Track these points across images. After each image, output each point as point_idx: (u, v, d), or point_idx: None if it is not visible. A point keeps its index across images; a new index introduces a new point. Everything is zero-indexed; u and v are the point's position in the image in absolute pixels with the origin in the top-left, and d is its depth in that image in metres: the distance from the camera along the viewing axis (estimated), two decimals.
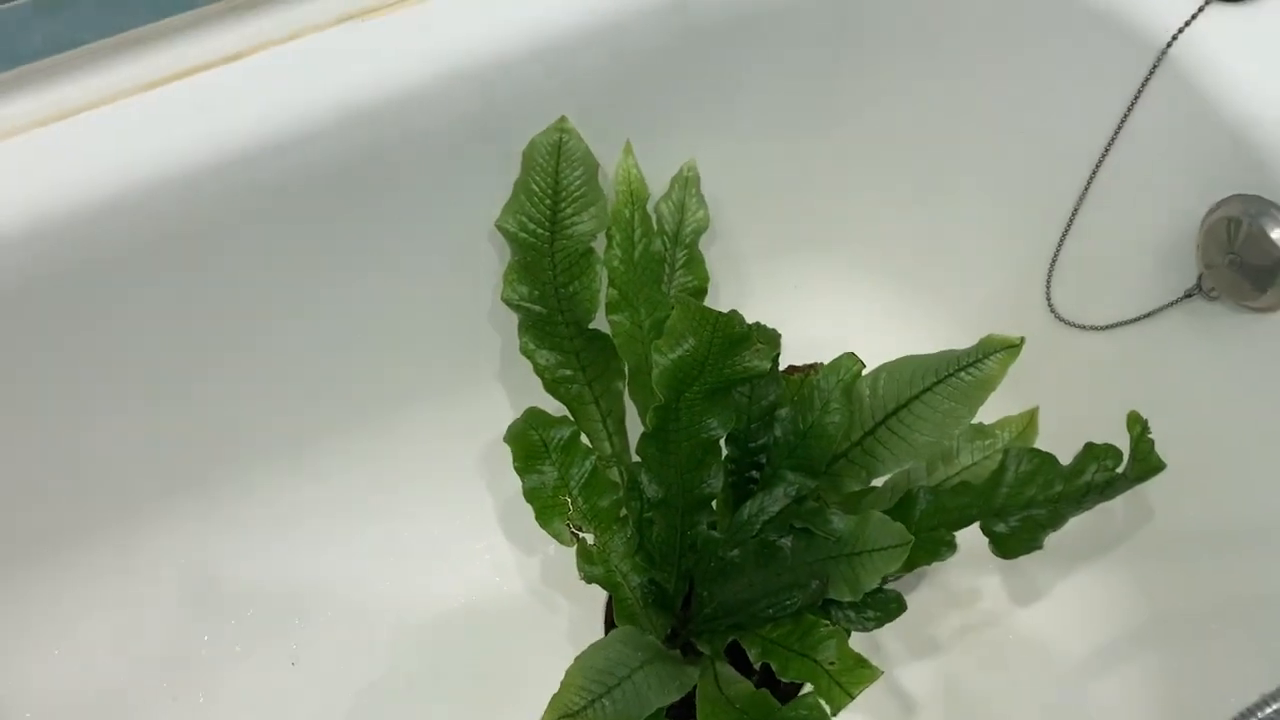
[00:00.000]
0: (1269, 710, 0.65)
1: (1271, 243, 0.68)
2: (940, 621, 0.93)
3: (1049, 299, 0.88)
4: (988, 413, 0.71)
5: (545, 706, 0.61)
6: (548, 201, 0.76)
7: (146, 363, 0.77)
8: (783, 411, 0.75)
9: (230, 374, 0.82)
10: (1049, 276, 0.87)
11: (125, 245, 0.69)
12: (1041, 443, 0.78)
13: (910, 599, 0.82)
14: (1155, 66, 0.73)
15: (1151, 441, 0.64)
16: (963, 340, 0.70)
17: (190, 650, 0.89)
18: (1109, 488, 0.65)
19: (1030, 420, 0.77)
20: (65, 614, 0.87)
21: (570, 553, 0.76)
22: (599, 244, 0.78)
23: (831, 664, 0.64)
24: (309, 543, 0.93)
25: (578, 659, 0.62)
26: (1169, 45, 0.73)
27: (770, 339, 0.75)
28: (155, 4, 0.67)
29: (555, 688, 0.89)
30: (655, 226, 0.81)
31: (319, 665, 0.90)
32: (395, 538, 0.94)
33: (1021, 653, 0.90)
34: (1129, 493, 0.72)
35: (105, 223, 0.67)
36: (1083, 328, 0.86)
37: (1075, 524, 0.71)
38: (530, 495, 0.76)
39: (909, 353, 0.73)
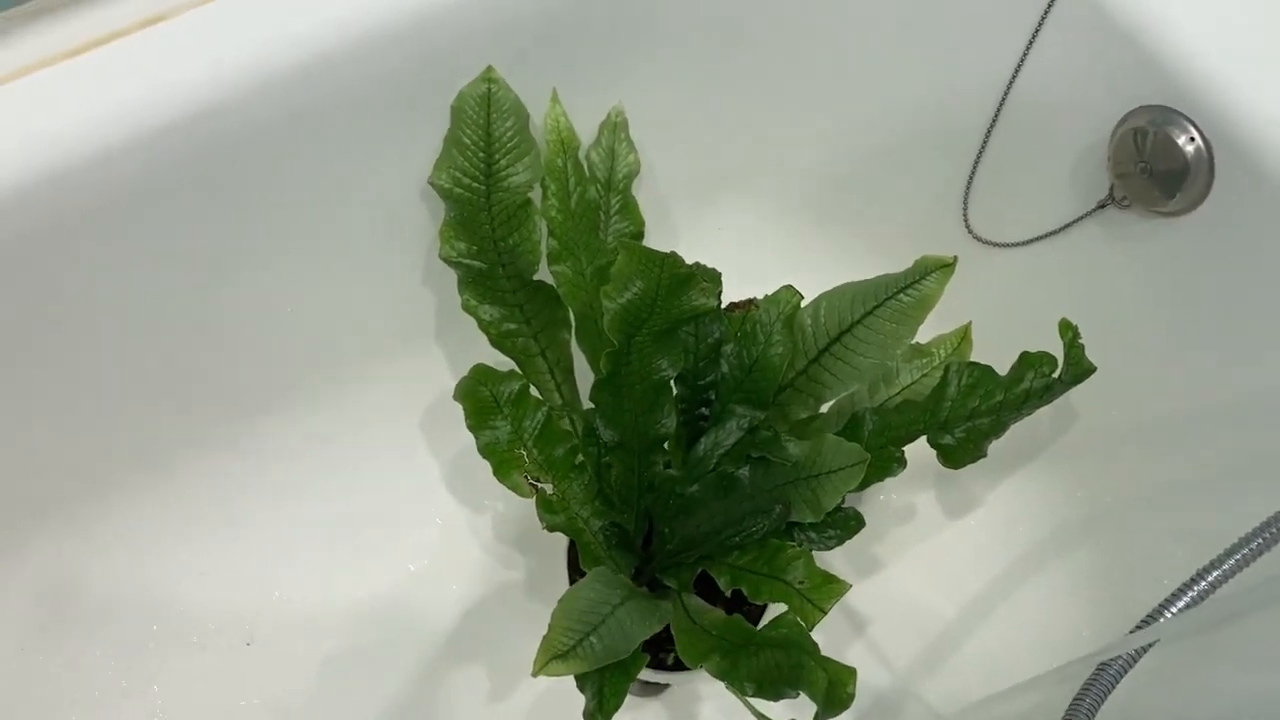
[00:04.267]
0: (1196, 591, 0.71)
1: (1178, 149, 0.72)
2: (881, 538, 0.96)
3: (966, 220, 0.91)
4: (919, 334, 0.74)
5: (535, 651, 0.62)
6: (481, 154, 0.75)
7: (83, 351, 0.75)
8: (728, 348, 0.76)
9: (160, 354, 0.79)
10: (965, 198, 0.90)
11: (32, 230, 0.67)
12: (974, 357, 0.81)
13: None
14: None
15: (1082, 346, 0.68)
16: (887, 268, 0.73)
17: (138, 638, 0.87)
18: (1047, 392, 0.69)
19: (965, 336, 0.80)
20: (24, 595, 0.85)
21: (518, 506, 0.77)
22: (535, 195, 0.78)
23: (801, 583, 0.66)
24: (253, 521, 0.91)
25: (560, 602, 0.63)
26: None
27: (713, 277, 0.76)
28: None
29: (522, 640, 0.90)
30: (587, 174, 0.81)
31: (276, 645, 0.89)
32: (342, 509, 0.93)
33: (960, 561, 0.94)
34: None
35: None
36: (1001, 245, 0.89)
37: (1006, 432, 0.74)
38: (486, 451, 0.76)
39: (834, 283, 0.75)
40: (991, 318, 0.85)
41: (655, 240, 0.98)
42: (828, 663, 0.60)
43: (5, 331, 0.71)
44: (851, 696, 0.59)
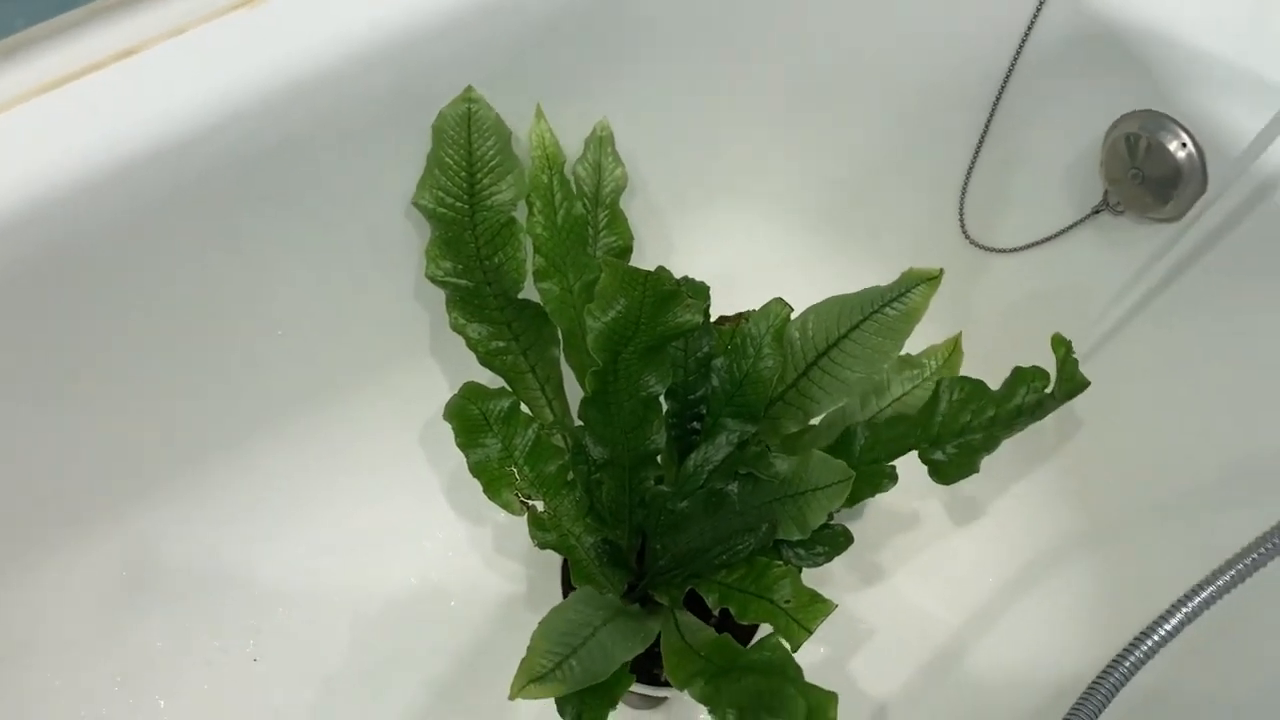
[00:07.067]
0: (1193, 605, 0.69)
1: (1170, 155, 0.71)
2: (886, 548, 0.96)
3: (963, 225, 0.89)
4: (913, 342, 0.73)
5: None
6: (463, 174, 0.75)
7: (80, 374, 0.75)
8: (718, 361, 0.76)
9: (162, 379, 0.80)
10: (961, 203, 0.89)
11: (29, 261, 0.67)
12: (968, 364, 0.80)
13: (856, 529, 0.84)
14: None
15: (1076, 361, 0.66)
16: (883, 274, 0.72)
17: (144, 655, 0.88)
18: (1039, 408, 0.67)
19: (955, 346, 0.79)
20: (12, 623, 0.85)
21: (519, 519, 0.77)
22: (520, 212, 0.78)
23: (787, 602, 0.66)
24: (256, 538, 0.92)
25: (540, 624, 0.63)
26: None
27: (700, 292, 0.76)
28: (33, 6, 0.64)
29: (523, 654, 0.91)
30: (574, 189, 0.81)
31: (281, 660, 0.90)
32: (344, 525, 0.94)
33: (965, 570, 0.93)
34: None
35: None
36: (998, 250, 0.88)
37: (1010, 441, 0.73)
38: (476, 469, 0.76)
39: (831, 291, 0.74)
40: (990, 323, 0.85)
41: (650, 249, 0.98)
42: (809, 690, 0.59)
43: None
44: None
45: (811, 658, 0.90)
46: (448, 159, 0.74)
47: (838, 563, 0.94)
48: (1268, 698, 0.71)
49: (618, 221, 0.83)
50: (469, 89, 0.74)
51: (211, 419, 0.87)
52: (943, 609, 0.92)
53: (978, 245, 0.89)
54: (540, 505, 0.77)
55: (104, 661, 0.87)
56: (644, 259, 0.96)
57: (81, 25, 0.65)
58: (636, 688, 0.79)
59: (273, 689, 0.89)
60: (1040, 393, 0.67)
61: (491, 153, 0.75)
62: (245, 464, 0.89)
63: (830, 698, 0.58)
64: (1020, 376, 0.67)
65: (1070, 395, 0.67)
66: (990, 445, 0.69)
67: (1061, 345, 0.66)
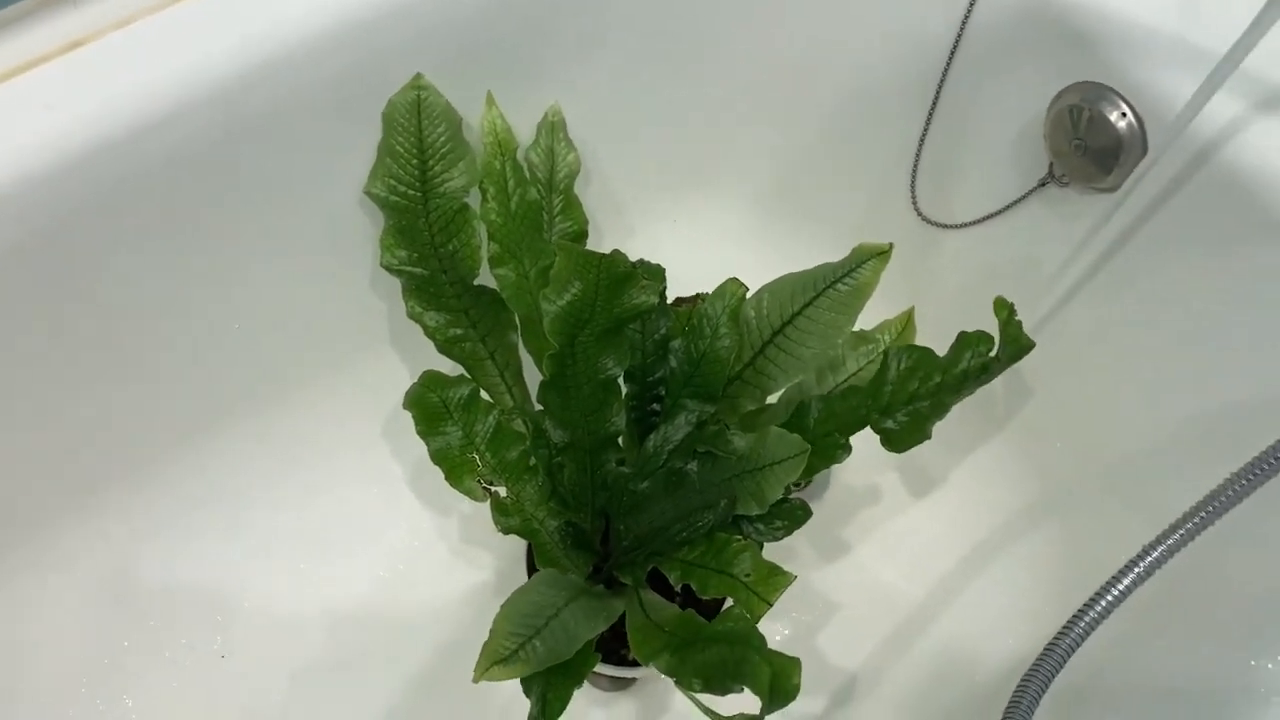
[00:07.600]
0: (1140, 568, 0.71)
1: (1111, 125, 0.72)
2: (848, 522, 0.97)
3: (915, 202, 0.91)
4: (869, 318, 0.74)
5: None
6: (414, 161, 0.75)
7: (34, 372, 0.75)
8: (675, 343, 0.76)
9: (120, 374, 0.79)
10: (912, 181, 0.90)
11: None
12: (924, 339, 0.81)
13: (817, 505, 0.85)
14: None
15: (1019, 323, 0.67)
16: (839, 254, 0.73)
17: (111, 656, 0.87)
18: (985, 372, 0.68)
19: (908, 320, 0.80)
20: None
21: (484, 507, 0.77)
22: (474, 200, 0.78)
23: (747, 575, 0.66)
24: (219, 533, 0.92)
25: (503, 606, 0.63)
26: None
27: (655, 274, 0.76)
28: None
29: None
30: (528, 175, 0.81)
31: (249, 656, 0.90)
32: (308, 517, 0.94)
33: (928, 542, 0.95)
34: (1009, 376, 0.75)
35: None
36: (951, 226, 0.89)
37: (964, 413, 0.74)
38: (437, 457, 0.76)
39: (787, 271, 0.75)
40: (943, 297, 0.86)
41: (609, 236, 0.98)
42: (772, 656, 0.60)
43: None
44: (797, 688, 0.59)
45: (778, 632, 0.92)
46: (398, 147, 0.75)
47: (802, 540, 0.96)
48: (1217, 661, 0.73)
49: (572, 207, 0.83)
50: (418, 76, 0.74)
51: (171, 414, 0.86)
52: (905, 581, 0.93)
53: (930, 222, 0.90)
54: (503, 491, 0.77)
55: (69, 662, 0.87)
56: (602, 244, 0.96)
57: (28, 18, 0.65)
58: (605, 669, 0.79)
59: (241, 685, 0.89)
60: (985, 356, 0.68)
61: (442, 140, 0.75)
62: (206, 459, 0.89)
63: (793, 663, 0.59)
64: (965, 341, 0.68)
65: (1015, 358, 0.68)
66: (940, 411, 0.70)
67: (1004, 308, 0.67)
